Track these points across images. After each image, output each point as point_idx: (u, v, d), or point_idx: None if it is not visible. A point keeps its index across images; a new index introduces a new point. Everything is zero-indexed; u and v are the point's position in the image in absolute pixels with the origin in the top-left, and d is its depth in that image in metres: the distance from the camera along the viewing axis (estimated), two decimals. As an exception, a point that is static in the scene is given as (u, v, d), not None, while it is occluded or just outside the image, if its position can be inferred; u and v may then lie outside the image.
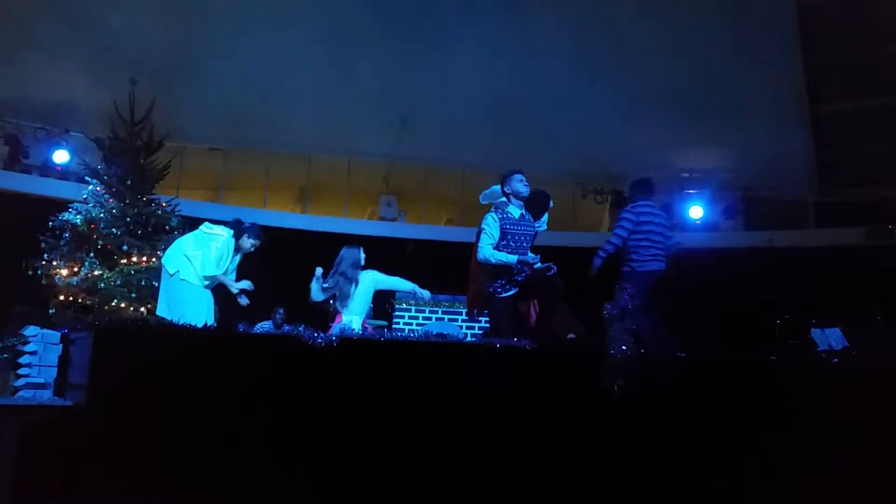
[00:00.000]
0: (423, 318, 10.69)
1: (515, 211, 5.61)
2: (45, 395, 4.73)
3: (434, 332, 5.07)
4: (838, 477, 4.63)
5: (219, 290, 6.33)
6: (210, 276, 6.12)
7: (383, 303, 10.18)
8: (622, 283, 6.13)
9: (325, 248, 6.59)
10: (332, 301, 6.35)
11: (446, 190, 13.20)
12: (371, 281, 6.26)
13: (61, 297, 8.09)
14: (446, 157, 12.58)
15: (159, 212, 8.71)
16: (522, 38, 11.23)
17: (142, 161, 8.90)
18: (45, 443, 4.07)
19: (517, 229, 5.53)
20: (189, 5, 10.58)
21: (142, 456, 4.10)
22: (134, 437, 4.11)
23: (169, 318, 5.67)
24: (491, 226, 5.48)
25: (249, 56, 11.14)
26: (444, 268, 8.85)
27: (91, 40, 10.39)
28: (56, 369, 4.88)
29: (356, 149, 12.61)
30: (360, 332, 5.60)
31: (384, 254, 8.10)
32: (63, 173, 11.18)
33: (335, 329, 5.71)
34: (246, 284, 6.27)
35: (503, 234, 5.47)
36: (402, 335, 5.18)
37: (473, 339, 7.09)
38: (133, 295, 8.05)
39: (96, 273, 8.08)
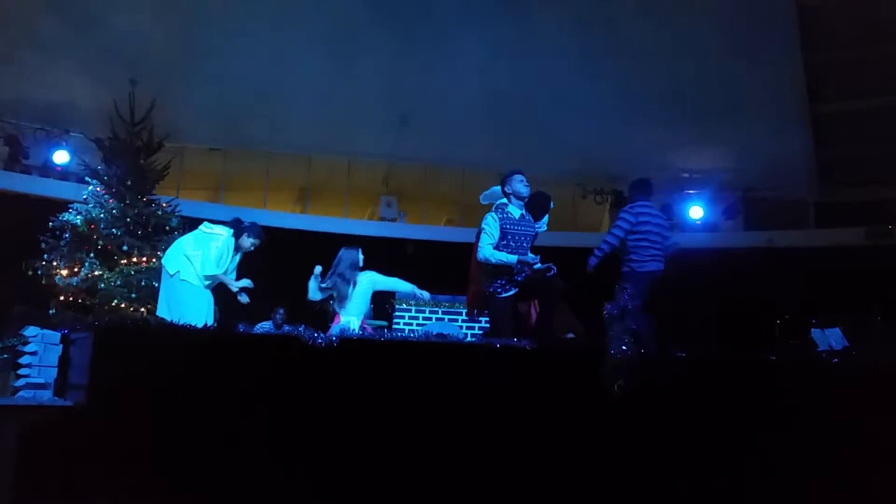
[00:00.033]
0: (423, 319, 10.68)
1: (515, 211, 5.61)
2: (46, 396, 4.73)
3: (434, 333, 5.07)
4: (838, 477, 4.63)
5: (219, 290, 6.34)
6: (210, 276, 6.13)
7: (383, 303, 10.18)
8: (622, 284, 6.15)
9: (325, 248, 6.59)
10: (330, 301, 6.36)
11: (446, 190, 13.20)
12: (369, 282, 6.27)
13: (61, 298, 8.10)
14: (446, 158, 12.58)
15: (159, 212, 8.72)
16: (522, 38, 11.22)
17: (142, 161, 8.91)
18: (45, 443, 4.07)
19: (517, 229, 5.53)
20: (189, 5, 10.57)
21: (142, 456, 4.10)
22: (134, 437, 4.11)
23: (169, 318, 5.67)
24: (491, 225, 5.48)
25: (249, 56, 11.13)
26: (444, 268, 8.85)
27: (91, 40, 10.38)
28: (56, 370, 4.88)
29: (356, 149, 12.61)
30: (360, 333, 5.62)
31: (384, 254, 8.11)
32: (63, 174, 11.18)
33: (334, 329, 5.72)
34: (246, 283, 6.28)
35: (503, 234, 5.48)
36: (402, 335, 5.18)
37: (473, 339, 7.09)
38: (133, 295, 8.06)
39: (96, 273, 8.09)
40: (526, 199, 5.68)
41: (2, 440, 4.06)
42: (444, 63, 11.29)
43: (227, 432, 4.26)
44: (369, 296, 6.35)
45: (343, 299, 6.21)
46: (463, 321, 10.42)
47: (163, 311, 6.08)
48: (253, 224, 6.47)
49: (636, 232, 6.29)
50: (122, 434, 4.10)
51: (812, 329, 7.69)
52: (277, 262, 8.38)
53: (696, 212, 13.07)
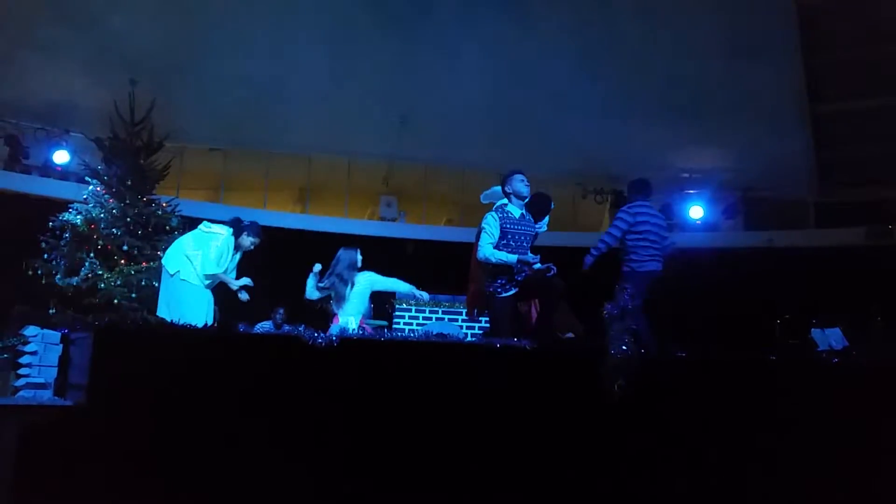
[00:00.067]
0: (424, 319, 10.69)
1: (516, 210, 5.61)
2: (46, 395, 4.73)
3: (434, 333, 5.08)
4: (839, 477, 4.63)
5: (219, 289, 6.34)
6: (211, 275, 6.13)
7: (383, 303, 10.18)
8: (622, 284, 6.16)
9: (325, 248, 6.60)
10: (331, 302, 6.37)
11: (446, 190, 13.20)
12: (367, 283, 6.28)
13: (61, 298, 8.09)
14: (446, 158, 12.58)
15: (159, 212, 8.72)
16: (523, 38, 11.22)
17: (142, 161, 8.90)
18: (45, 443, 4.07)
19: (517, 229, 5.53)
20: (189, 5, 10.57)
21: (142, 456, 4.10)
22: (134, 437, 4.11)
23: (169, 318, 5.67)
24: (491, 225, 5.49)
25: (249, 56, 11.13)
26: (444, 268, 8.86)
27: (91, 40, 10.38)
28: (56, 369, 4.89)
29: (356, 149, 12.60)
30: (360, 333, 5.62)
31: (384, 254, 8.11)
32: (63, 174, 11.17)
33: (333, 329, 5.73)
34: (246, 281, 6.28)
35: (503, 233, 5.48)
36: (402, 335, 5.18)
37: (473, 339, 7.09)
38: (133, 295, 8.06)
39: (96, 273, 8.08)
40: (526, 199, 5.69)
41: (2, 440, 4.06)
42: (445, 63, 11.29)
43: (227, 432, 4.26)
44: (367, 296, 6.36)
45: (341, 300, 6.22)
46: (463, 321, 10.43)
47: (163, 310, 6.09)
48: (252, 223, 6.48)
49: (635, 232, 6.30)
50: (122, 434, 4.10)
51: (812, 329, 7.69)
52: (277, 262, 8.39)
53: (696, 212, 13.08)
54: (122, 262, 8.22)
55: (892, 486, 4.64)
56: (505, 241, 5.48)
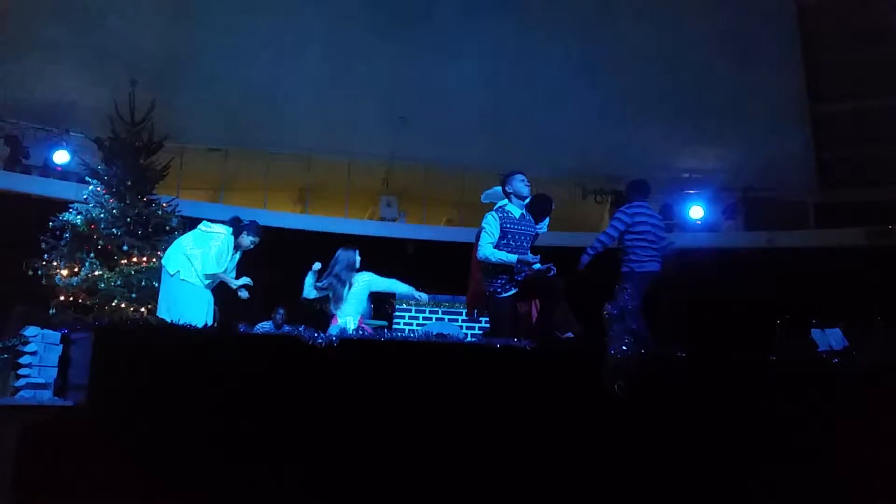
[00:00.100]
0: (424, 319, 10.68)
1: (516, 210, 5.61)
2: (46, 396, 4.73)
3: (434, 333, 5.08)
4: (839, 477, 4.63)
5: (219, 289, 6.34)
6: (211, 275, 6.12)
7: (383, 303, 10.18)
8: (622, 284, 6.17)
9: (325, 248, 6.59)
10: (328, 302, 6.37)
11: (446, 190, 13.20)
12: (366, 283, 6.28)
13: (61, 298, 8.10)
14: (446, 158, 12.58)
15: (159, 212, 8.72)
16: (523, 39, 11.24)
17: (142, 161, 8.91)
18: (45, 443, 4.07)
19: (517, 229, 5.53)
20: (189, 6, 10.58)
21: (142, 456, 4.10)
22: (134, 437, 4.11)
23: (169, 318, 5.66)
24: (491, 224, 5.48)
25: (249, 56, 11.14)
26: (444, 268, 8.85)
27: (91, 40, 10.39)
28: (56, 370, 4.88)
29: (356, 149, 12.61)
30: (360, 333, 5.62)
31: (384, 254, 8.10)
32: (63, 174, 11.17)
33: (333, 329, 5.73)
34: (246, 281, 6.28)
35: (503, 233, 5.48)
36: (402, 335, 5.18)
37: (473, 339, 7.09)
38: (133, 295, 8.06)
39: (96, 273, 8.09)
40: (527, 199, 5.68)
41: (2, 440, 4.06)
42: (445, 64, 11.30)
43: (227, 432, 4.26)
44: (365, 297, 6.36)
45: (338, 300, 6.22)
46: (463, 321, 10.42)
47: (163, 311, 6.08)
48: (252, 222, 6.47)
49: (633, 232, 6.32)
50: (122, 434, 4.10)
51: (812, 329, 7.69)
52: (278, 262, 8.38)
53: (696, 212, 13.08)
54: (122, 262, 8.23)
55: (892, 486, 4.63)
56: (505, 241, 5.47)
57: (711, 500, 4.61)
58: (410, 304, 10.58)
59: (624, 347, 4.62)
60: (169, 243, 6.91)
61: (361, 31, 11.09)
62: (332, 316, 6.27)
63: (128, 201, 8.54)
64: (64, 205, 8.66)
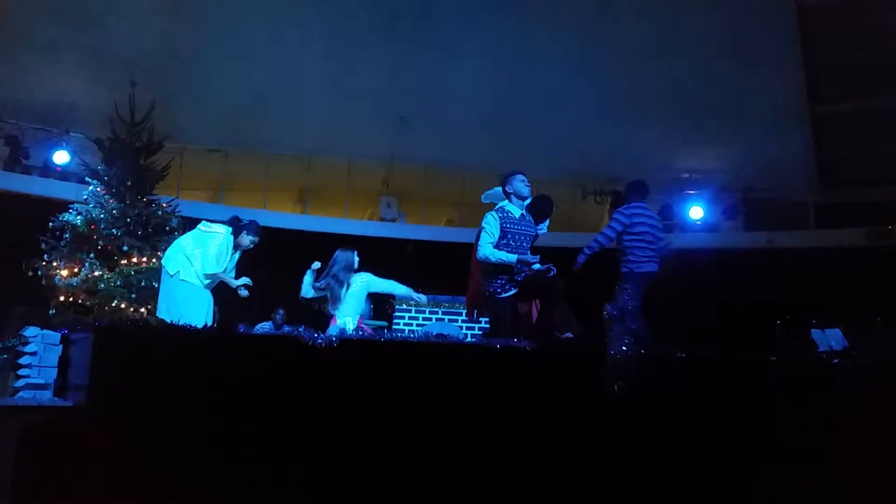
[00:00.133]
0: (423, 319, 10.68)
1: (516, 210, 5.61)
2: (46, 396, 4.73)
3: (434, 333, 5.08)
4: (839, 477, 4.63)
5: (219, 289, 6.34)
6: (210, 275, 6.12)
7: (383, 304, 10.18)
8: (622, 284, 6.17)
9: (325, 248, 6.60)
10: (326, 303, 6.37)
11: (446, 191, 13.20)
12: (364, 284, 6.29)
13: (61, 298, 8.10)
14: (446, 158, 12.58)
15: (159, 213, 8.72)
16: (523, 39, 11.24)
17: (142, 162, 8.91)
18: (45, 443, 4.07)
19: (517, 229, 5.53)
20: (189, 6, 10.58)
21: (142, 456, 4.10)
22: (134, 437, 4.11)
23: (169, 318, 5.66)
24: (491, 224, 5.48)
25: (249, 56, 11.14)
26: (444, 268, 8.85)
27: (91, 41, 10.40)
28: (56, 370, 4.88)
29: (356, 150, 12.61)
30: (360, 333, 5.62)
31: (384, 254, 8.10)
32: (63, 174, 11.18)
33: (332, 330, 5.73)
34: (245, 281, 6.27)
35: (503, 233, 5.48)
36: (402, 336, 5.18)
37: (473, 339, 7.09)
38: (133, 296, 8.06)
39: (96, 274, 8.08)
40: (527, 199, 5.69)
41: (2, 440, 4.06)
42: (444, 64, 11.30)
43: (226, 433, 4.25)
44: (364, 297, 6.36)
45: (336, 301, 6.22)
46: (463, 321, 10.42)
47: (162, 311, 6.08)
48: (252, 222, 6.47)
49: (631, 233, 6.33)
50: (122, 434, 4.10)
51: (812, 329, 7.69)
52: (278, 262, 8.38)
53: (696, 212, 13.08)
54: (122, 262, 8.23)
55: (892, 486, 4.63)
56: (505, 241, 5.47)
57: (711, 500, 4.61)
58: (410, 305, 10.58)
59: (624, 348, 4.62)
60: (169, 244, 6.91)
61: (361, 31, 11.09)
62: (332, 316, 6.28)
63: (128, 202, 8.54)
64: (64, 205, 8.66)
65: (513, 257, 5.37)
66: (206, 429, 4.23)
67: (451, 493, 4.41)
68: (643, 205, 6.55)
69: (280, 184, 13.01)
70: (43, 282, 8.19)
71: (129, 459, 4.07)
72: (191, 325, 4.71)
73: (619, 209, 6.61)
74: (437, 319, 10.60)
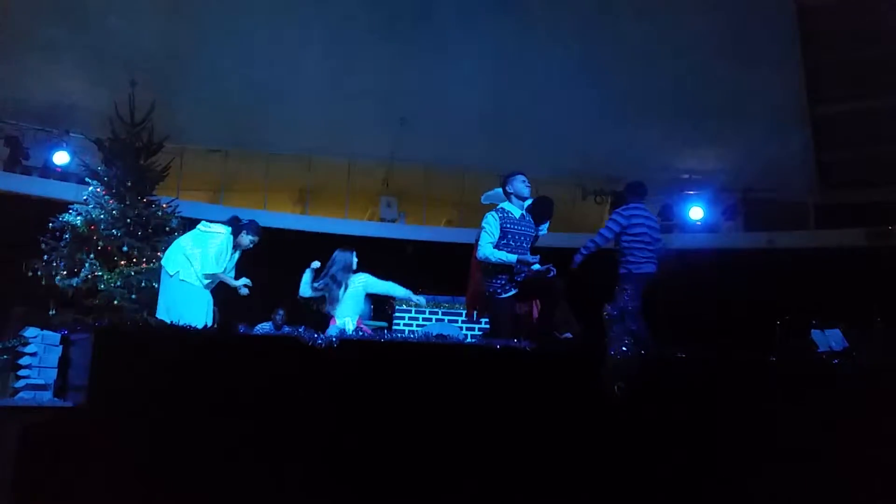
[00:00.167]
0: (423, 320, 10.67)
1: (516, 211, 5.61)
2: (46, 397, 4.73)
3: (434, 334, 5.07)
4: (839, 477, 4.63)
5: (218, 289, 6.33)
6: (210, 275, 6.12)
7: (383, 304, 10.18)
8: (622, 285, 6.18)
9: (325, 249, 6.60)
10: (324, 303, 6.38)
11: (446, 191, 13.20)
12: (362, 285, 6.30)
13: (61, 299, 8.09)
14: (446, 158, 12.58)
15: (159, 213, 8.72)
16: (522, 39, 11.24)
17: (142, 162, 8.91)
18: (45, 444, 4.07)
19: (517, 229, 5.53)
20: (189, 6, 10.58)
21: (142, 457, 4.09)
22: (134, 437, 4.11)
23: (168, 319, 5.66)
24: (491, 224, 5.49)
25: (249, 57, 11.15)
26: (443, 269, 8.85)
27: (91, 41, 10.40)
28: (56, 371, 4.88)
29: (356, 150, 12.61)
30: (360, 334, 5.62)
31: (384, 255, 8.10)
32: (63, 175, 11.18)
33: (332, 330, 5.73)
34: (245, 281, 6.27)
35: (503, 233, 5.48)
36: (401, 336, 5.18)
37: (473, 340, 7.09)
38: (133, 296, 8.06)
39: (96, 274, 8.08)
40: (527, 199, 5.69)
41: (2, 441, 4.06)
42: (444, 64, 11.30)
43: (226, 433, 4.25)
44: (362, 298, 6.36)
45: (334, 301, 6.22)
46: (463, 322, 10.41)
47: (162, 311, 6.07)
48: (251, 221, 6.47)
49: (630, 234, 6.34)
50: (122, 435, 4.09)
51: (812, 330, 7.69)
52: (277, 263, 8.38)
53: (696, 212, 13.08)
54: (122, 263, 8.23)
55: (892, 486, 4.63)
56: (505, 241, 5.47)
57: (711, 500, 4.61)
58: (410, 305, 10.58)
59: (624, 348, 4.62)
60: (169, 244, 6.91)
61: (361, 31, 11.09)
62: (331, 317, 6.28)
63: (128, 202, 8.54)
64: (64, 206, 8.66)
65: (513, 257, 5.37)
66: (206, 429, 4.23)
67: (451, 494, 4.41)
68: (641, 206, 6.56)
69: (280, 184, 13.01)
70: (43, 282, 8.19)
71: (129, 459, 4.06)
72: (191, 326, 4.71)
73: (617, 210, 6.63)
74: (436, 320, 10.59)
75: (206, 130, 11.81)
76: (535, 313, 6.10)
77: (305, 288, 6.32)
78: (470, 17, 10.91)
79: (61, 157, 11.29)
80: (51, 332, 4.99)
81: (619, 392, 4.55)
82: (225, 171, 12.68)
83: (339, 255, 6.34)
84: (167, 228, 8.67)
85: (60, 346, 4.94)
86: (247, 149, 12.45)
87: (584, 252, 6.31)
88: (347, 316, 6.16)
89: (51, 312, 7.94)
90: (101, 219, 8.35)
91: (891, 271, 10.20)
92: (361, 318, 6.39)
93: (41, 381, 4.79)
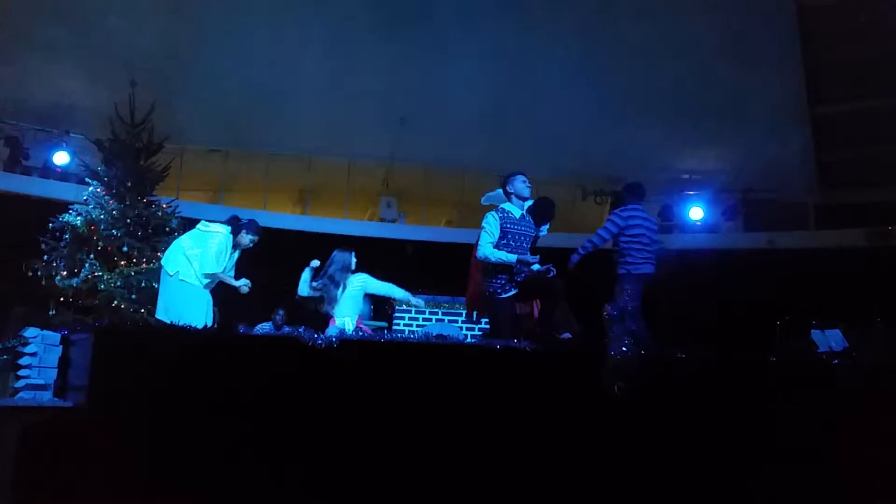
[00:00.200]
0: (423, 320, 10.67)
1: (516, 211, 5.61)
2: (46, 397, 4.73)
3: (434, 334, 5.07)
4: (839, 477, 4.63)
5: (218, 289, 6.33)
6: (210, 275, 6.11)
7: (383, 304, 10.18)
8: (622, 285, 6.18)
9: (325, 249, 6.60)
10: (323, 303, 6.37)
11: (446, 191, 13.20)
12: (360, 285, 6.30)
13: (61, 299, 8.09)
14: (446, 159, 12.58)
15: (159, 213, 8.73)
16: (522, 39, 11.24)
17: (142, 163, 8.91)
18: (45, 444, 4.07)
19: (517, 229, 5.53)
20: (189, 6, 10.59)
21: (142, 457, 4.10)
22: (134, 438, 4.11)
23: (168, 319, 5.66)
24: (491, 224, 5.49)
25: (249, 57, 11.15)
26: (443, 269, 8.85)
27: (91, 42, 10.40)
28: (56, 371, 4.88)
29: (356, 150, 12.61)
30: (360, 334, 5.62)
31: (384, 255, 8.10)
32: (63, 175, 11.18)
33: (331, 330, 5.73)
34: (245, 282, 6.27)
35: (503, 233, 5.48)
36: (401, 336, 5.18)
37: (473, 340, 7.09)
38: (133, 296, 8.06)
39: (96, 274, 8.08)
40: (527, 199, 5.69)
41: (2, 441, 4.06)
42: (444, 64, 11.31)
43: (226, 433, 4.25)
44: (361, 298, 6.36)
45: (332, 301, 6.22)
46: (463, 322, 10.41)
47: (162, 311, 6.07)
48: (251, 221, 6.46)
49: (628, 235, 6.35)
50: (122, 435, 4.10)
51: (812, 330, 7.69)
52: (277, 263, 8.38)
53: (696, 213, 13.08)
54: (122, 263, 8.23)
55: (892, 486, 4.63)
56: (505, 241, 5.47)
57: (711, 500, 4.61)
58: (410, 306, 10.58)
59: (624, 349, 4.62)
60: (169, 244, 6.91)
61: (361, 31, 11.09)
62: (331, 317, 6.28)
63: (128, 202, 8.54)
64: (64, 206, 8.66)
65: (512, 257, 5.37)
66: (206, 429, 4.23)
67: (451, 494, 4.41)
68: (639, 207, 6.57)
69: (280, 184, 13.01)
70: (43, 282, 8.19)
71: (129, 459, 4.07)
72: (191, 326, 4.71)
73: (615, 211, 6.64)
74: (436, 320, 10.59)
75: (206, 130, 11.81)
76: (536, 313, 6.09)
77: (304, 287, 6.32)
78: (470, 17, 10.92)
79: (61, 158, 11.29)
80: (51, 332, 5.00)
81: (619, 392, 4.55)
82: (225, 171, 12.68)
83: (337, 255, 6.34)
84: (167, 228, 8.67)
85: (60, 346, 4.94)
86: (247, 149, 12.44)
87: (582, 252, 6.32)
88: (346, 316, 6.16)
89: (51, 312, 7.94)
90: (101, 219, 8.35)
91: (891, 271, 10.21)
92: (361, 318, 6.39)
93: (41, 381, 4.79)
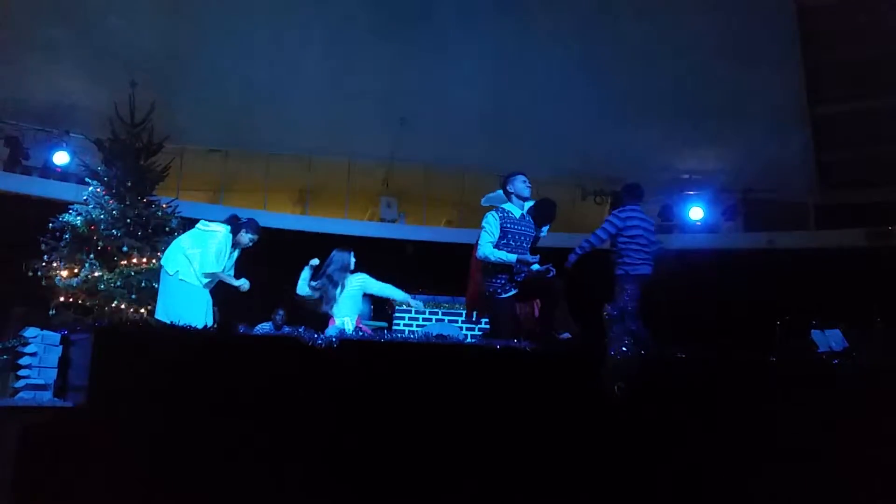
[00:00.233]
0: (423, 320, 10.67)
1: (516, 211, 5.61)
2: (46, 397, 4.73)
3: (434, 334, 5.07)
4: (839, 477, 4.63)
5: (218, 289, 6.33)
6: (210, 274, 6.11)
7: (383, 304, 10.18)
8: (621, 286, 6.18)
9: (325, 249, 6.60)
10: (321, 303, 6.37)
11: (446, 191, 13.20)
12: (359, 285, 6.30)
13: (61, 299, 8.09)
14: (446, 159, 12.58)
15: (159, 213, 8.73)
16: (522, 39, 11.24)
17: (142, 162, 8.91)
18: (45, 444, 4.07)
19: (517, 229, 5.53)
20: (189, 6, 10.59)
21: (142, 457, 4.10)
22: (134, 438, 4.11)
23: (168, 318, 5.65)
24: (491, 224, 5.49)
25: (249, 57, 11.15)
26: (444, 269, 8.85)
27: (91, 42, 10.40)
28: (56, 371, 4.88)
29: (356, 150, 12.61)
30: (360, 334, 5.62)
31: (384, 255, 8.09)
32: (63, 175, 11.18)
33: (331, 330, 5.73)
34: (244, 282, 6.27)
35: (503, 233, 5.48)
36: (401, 336, 5.18)
37: (473, 340, 7.09)
38: (133, 296, 8.06)
39: (96, 274, 8.08)
40: (527, 200, 5.69)
41: (2, 441, 4.06)
42: (444, 64, 11.31)
43: (226, 433, 4.25)
44: (360, 298, 6.36)
45: (330, 301, 6.22)
46: (463, 322, 10.40)
47: (161, 311, 6.07)
48: (250, 220, 6.46)
49: (626, 236, 6.36)
50: (122, 435, 4.10)
51: (812, 330, 7.69)
52: (277, 263, 8.38)
53: (696, 213, 13.07)
54: (122, 263, 8.23)
55: (892, 486, 4.63)
56: (505, 241, 5.48)
57: (711, 500, 4.61)
58: (409, 307, 10.57)
59: (624, 348, 4.62)
60: (169, 244, 6.91)
61: (361, 32, 11.09)
62: (331, 317, 6.28)
63: (128, 202, 8.54)
64: (64, 206, 8.66)
65: (512, 257, 5.38)
66: (206, 429, 4.23)
67: (451, 494, 4.41)
68: (637, 208, 6.59)
69: (280, 184, 13.01)
70: (43, 282, 8.19)
71: (129, 459, 4.07)
72: (191, 326, 4.71)
73: (613, 212, 6.66)
74: (436, 320, 10.59)
75: (206, 130, 11.80)
76: (536, 313, 6.09)
77: (303, 285, 6.32)
78: (470, 17, 10.91)
79: (61, 158, 11.28)
80: (51, 332, 5.00)
81: (619, 392, 4.55)
82: (225, 171, 12.68)
83: (336, 255, 6.34)
84: (167, 228, 8.67)
85: (60, 346, 4.94)
86: (247, 149, 12.44)
87: (579, 252, 6.33)
88: (345, 316, 6.15)
89: (51, 312, 7.94)
90: (101, 219, 8.35)
91: (891, 271, 10.20)
92: (361, 318, 6.39)
93: (41, 381, 4.79)
